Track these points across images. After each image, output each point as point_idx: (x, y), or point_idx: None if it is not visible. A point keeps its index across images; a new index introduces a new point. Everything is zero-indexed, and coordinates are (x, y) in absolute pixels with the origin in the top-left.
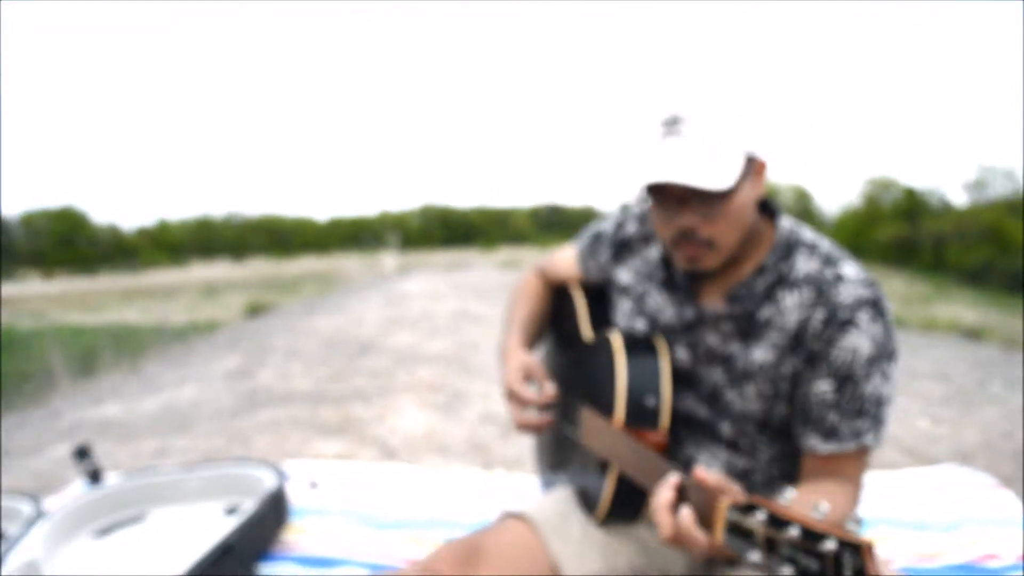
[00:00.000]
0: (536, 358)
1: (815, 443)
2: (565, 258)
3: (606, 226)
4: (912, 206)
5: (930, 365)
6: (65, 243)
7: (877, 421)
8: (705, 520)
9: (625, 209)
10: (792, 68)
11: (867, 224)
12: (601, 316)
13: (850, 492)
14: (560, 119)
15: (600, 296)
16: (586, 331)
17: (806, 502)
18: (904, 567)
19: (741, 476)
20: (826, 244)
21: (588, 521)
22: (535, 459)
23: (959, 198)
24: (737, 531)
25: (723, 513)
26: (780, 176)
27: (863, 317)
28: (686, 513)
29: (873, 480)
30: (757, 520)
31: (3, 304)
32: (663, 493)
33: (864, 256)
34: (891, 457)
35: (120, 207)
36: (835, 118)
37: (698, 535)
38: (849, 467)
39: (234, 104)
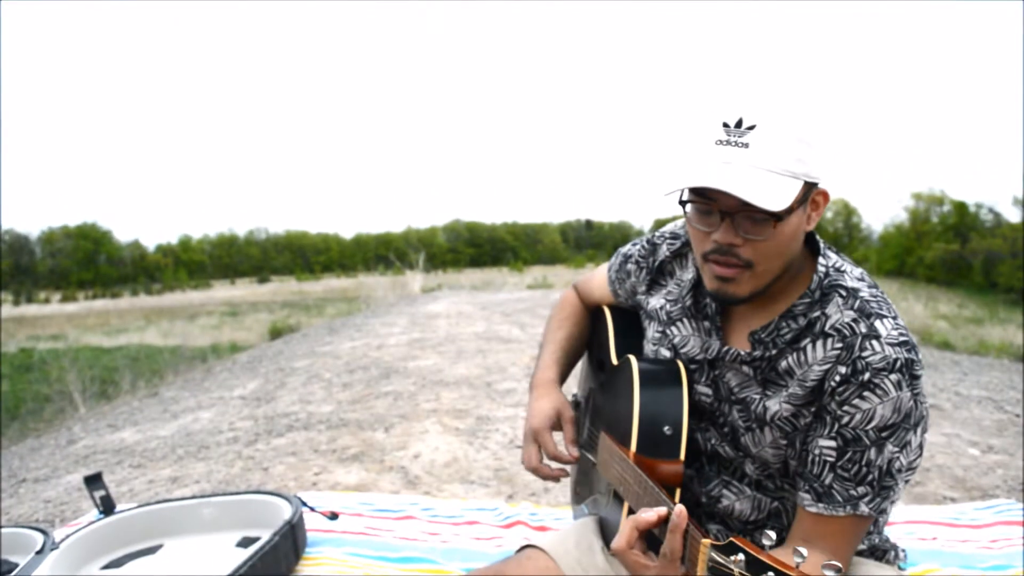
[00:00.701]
0: (572, 415)
1: (806, 500)
2: (599, 278)
3: (635, 249)
4: (962, 222)
5: (980, 391)
6: (87, 262)
7: (881, 490)
8: (690, 559)
9: (657, 227)
10: (835, 76)
11: (914, 241)
12: (630, 340)
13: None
14: (592, 131)
15: (632, 319)
16: (613, 355)
17: (788, 552)
18: None
19: (772, 516)
20: (867, 292)
21: (608, 552)
22: (571, 489)
23: (1012, 213)
24: (716, 572)
25: (704, 553)
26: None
27: (888, 382)
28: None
29: (922, 514)
30: (736, 561)
31: (24, 324)
32: (645, 516)
33: (910, 275)
34: (938, 488)
35: (143, 224)
36: (881, 128)
37: (642, 561)
38: (837, 533)
39: (257, 119)
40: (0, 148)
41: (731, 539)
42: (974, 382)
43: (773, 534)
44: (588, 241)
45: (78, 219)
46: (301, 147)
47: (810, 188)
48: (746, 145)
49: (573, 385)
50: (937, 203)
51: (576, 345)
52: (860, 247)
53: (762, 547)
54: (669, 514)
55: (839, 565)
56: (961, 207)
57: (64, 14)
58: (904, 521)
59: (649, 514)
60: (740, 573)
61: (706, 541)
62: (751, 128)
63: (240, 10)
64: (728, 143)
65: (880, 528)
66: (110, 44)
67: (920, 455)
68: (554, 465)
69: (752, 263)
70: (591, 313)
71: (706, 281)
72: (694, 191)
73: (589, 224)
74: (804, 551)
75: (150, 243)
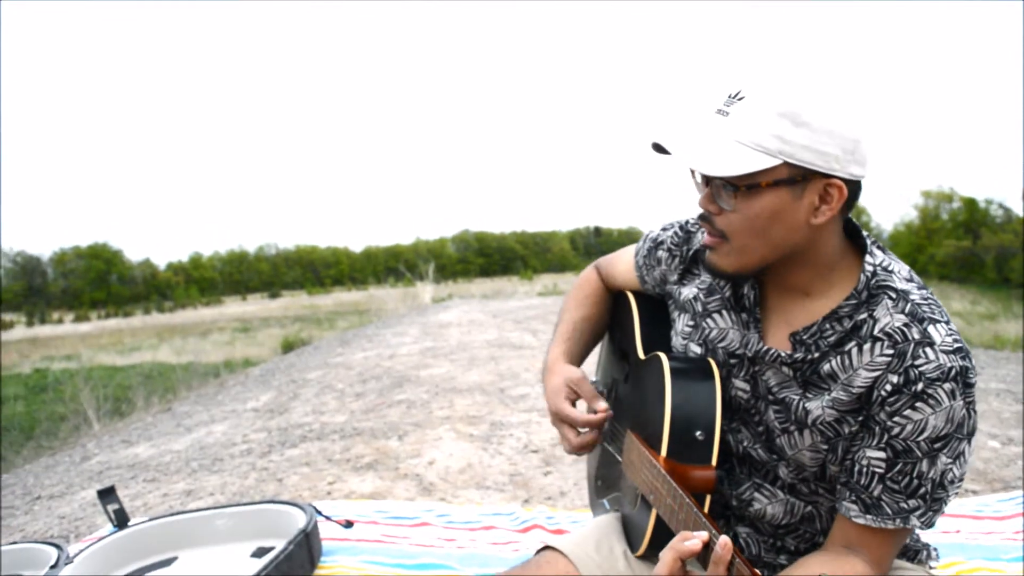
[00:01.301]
0: (582, 373)
1: (852, 512)
2: (624, 262)
3: (668, 235)
4: (972, 218)
5: (998, 384)
6: (99, 281)
7: (933, 503)
8: None
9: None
10: (843, 70)
11: (925, 239)
12: (657, 332)
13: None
14: (600, 138)
15: (659, 307)
16: (639, 347)
17: None
18: None
19: (805, 520)
20: (918, 294)
21: (631, 555)
22: (588, 486)
23: (1022, 208)
24: None
25: None
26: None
27: (943, 392)
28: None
29: (945, 508)
30: None
31: (37, 345)
32: (689, 545)
33: (922, 273)
34: None
35: (154, 242)
36: (889, 125)
37: None
38: (884, 543)
39: (264, 136)
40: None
41: None
42: (991, 375)
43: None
44: (597, 248)
45: (89, 239)
46: (309, 162)
47: (806, 175)
48: (727, 114)
49: (591, 372)
50: (947, 200)
51: (594, 327)
52: None
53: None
54: (710, 540)
55: (935, 549)
56: (971, 203)
57: (72, 34)
58: None
59: (693, 542)
60: None
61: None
62: (740, 99)
63: (245, 27)
64: (719, 112)
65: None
66: (119, 64)
67: (967, 466)
68: (585, 433)
69: (725, 234)
70: (614, 296)
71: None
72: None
73: (598, 231)
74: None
75: (161, 261)
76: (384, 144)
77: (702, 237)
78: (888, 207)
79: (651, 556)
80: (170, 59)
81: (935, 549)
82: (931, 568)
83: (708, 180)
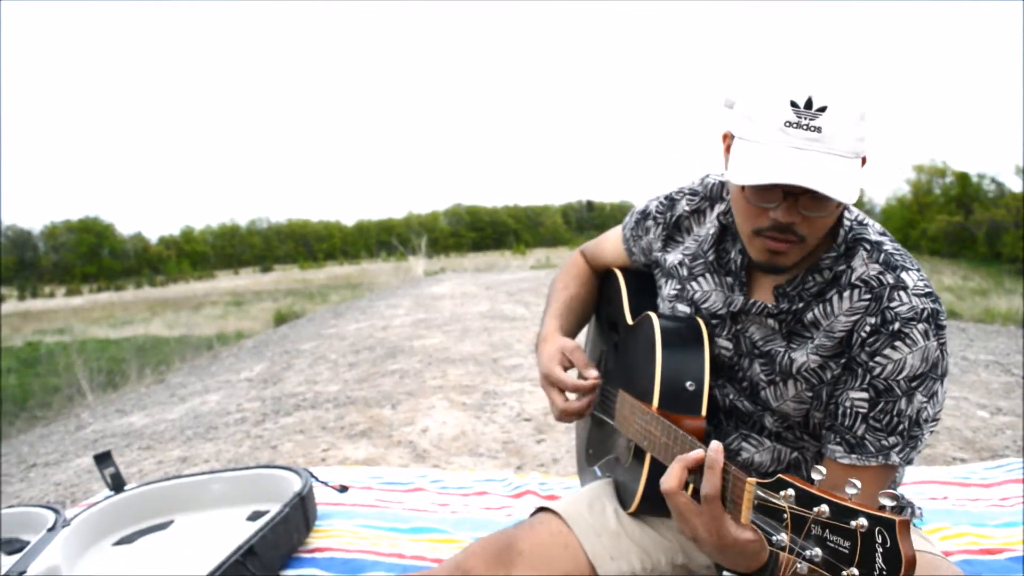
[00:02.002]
0: (576, 343)
1: (837, 452)
2: (611, 240)
3: (654, 204)
4: (965, 193)
5: (988, 355)
6: (90, 255)
7: (910, 440)
8: (733, 500)
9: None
10: (835, 47)
11: (917, 214)
12: (644, 300)
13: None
14: (591, 111)
15: (645, 279)
16: (628, 315)
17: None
18: (964, 561)
19: (791, 467)
20: (890, 246)
21: (623, 514)
22: (576, 455)
23: (1015, 183)
24: (764, 510)
25: (750, 491)
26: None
27: (917, 331)
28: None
29: (932, 475)
30: (785, 496)
31: (29, 319)
32: (692, 454)
33: (914, 248)
34: (948, 449)
35: (145, 216)
36: (883, 98)
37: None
38: (869, 481)
39: (255, 109)
40: (0, 143)
41: (779, 476)
42: (981, 347)
43: (824, 468)
44: (590, 222)
45: (80, 213)
46: (300, 135)
47: (863, 161)
48: (818, 129)
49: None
50: (939, 175)
51: (582, 306)
52: None
53: (812, 482)
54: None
55: (896, 493)
56: (963, 178)
57: (63, 10)
58: (914, 482)
59: (696, 452)
60: (791, 507)
61: (751, 480)
62: (822, 110)
63: (237, 4)
64: (799, 126)
65: (895, 485)
66: (109, 38)
67: (942, 407)
68: (575, 399)
69: (806, 238)
70: (600, 276)
71: (753, 252)
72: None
73: (590, 205)
74: (858, 483)
75: (153, 235)
76: (376, 117)
77: (686, 203)
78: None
79: (643, 511)
80: (160, 33)
81: (920, 509)
82: (916, 527)
83: (789, 193)
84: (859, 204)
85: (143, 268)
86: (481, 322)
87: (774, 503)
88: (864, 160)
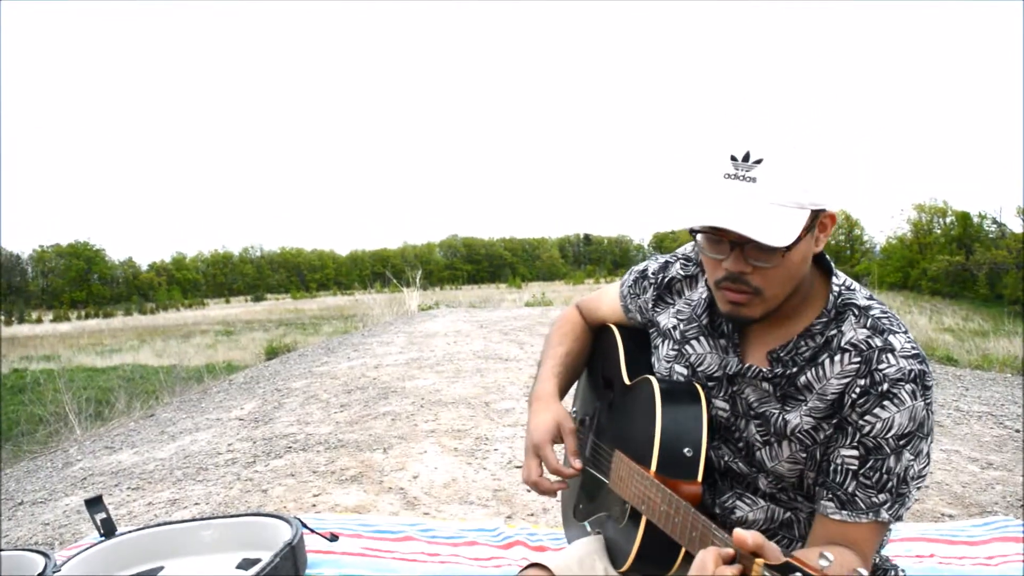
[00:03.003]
0: (574, 425)
1: (829, 508)
2: (608, 296)
3: (652, 265)
4: (966, 233)
5: (981, 406)
6: (79, 281)
7: (898, 497)
8: None
9: (656, 241)
10: (835, 85)
11: (917, 253)
12: (640, 359)
13: (857, 564)
14: (590, 145)
15: (641, 338)
16: (624, 374)
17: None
18: None
19: (784, 526)
20: (878, 310)
21: (612, 572)
22: (562, 508)
23: (1016, 223)
24: None
25: (758, 571)
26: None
27: (904, 392)
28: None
29: (920, 531)
30: None
31: (15, 346)
32: (726, 571)
33: (914, 288)
34: (937, 505)
35: (136, 241)
36: (882, 139)
37: None
38: (860, 538)
39: (250, 137)
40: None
41: (787, 559)
42: (975, 397)
43: (830, 555)
44: (587, 256)
45: (70, 237)
46: (296, 164)
47: (817, 214)
48: (753, 180)
49: (570, 403)
50: (940, 214)
51: (576, 361)
52: (863, 260)
53: (820, 567)
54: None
55: (866, 573)
56: (964, 218)
57: (59, 37)
58: (902, 539)
59: (727, 550)
60: None
61: (759, 560)
62: (758, 162)
63: (232, 26)
64: (736, 177)
65: (880, 548)
66: (103, 63)
67: (929, 464)
68: (553, 479)
69: (761, 290)
70: (595, 331)
71: (719, 304)
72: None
73: (588, 239)
74: (831, 555)
75: (143, 261)
76: (372, 147)
77: (679, 267)
78: (881, 221)
79: (635, 570)
80: (156, 57)
81: (903, 571)
82: None
83: (735, 245)
84: (857, 243)
85: (133, 295)
86: (474, 362)
87: None
88: (820, 212)
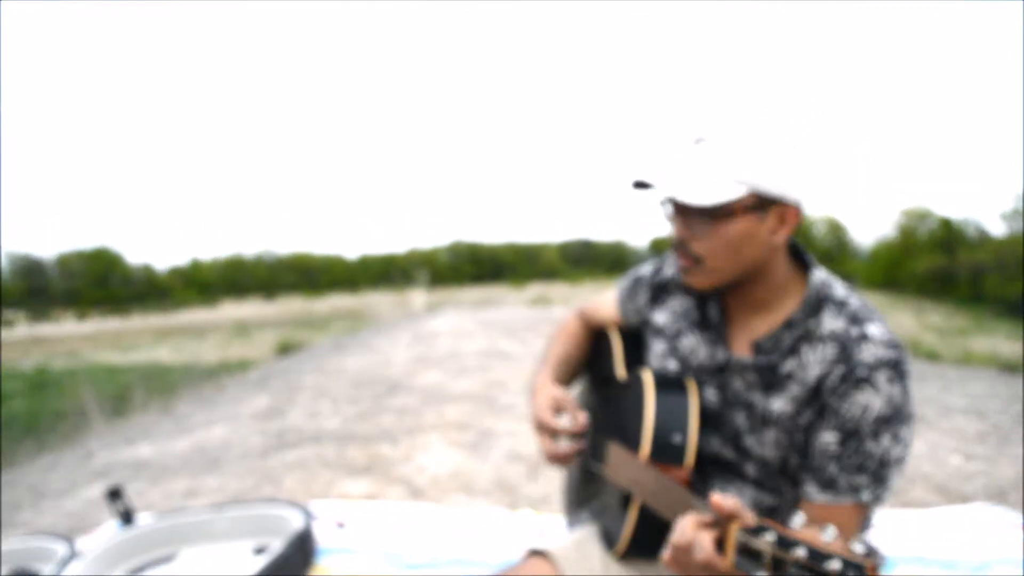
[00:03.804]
0: (566, 392)
1: (812, 491)
2: (606, 302)
3: (646, 269)
4: (949, 236)
5: (964, 400)
6: (99, 283)
7: (878, 480)
8: (718, 543)
9: (655, 246)
10: (823, 95)
11: (903, 255)
12: (636, 358)
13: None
14: (590, 152)
15: (637, 339)
16: (620, 371)
17: (816, 529)
18: None
19: (769, 513)
20: (855, 302)
21: (609, 557)
22: (563, 498)
23: (997, 228)
24: (747, 552)
25: (734, 535)
26: (813, 208)
27: (881, 377)
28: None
29: (902, 518)
30: (766, 541)
31: (38, 344)
32: (704, 534)
33: (900, 288)
34: (921, 496)
35: (154, 247)
36: (868, 147)
37: (717, 559)
38: (842, 521)
39: (265, 144)
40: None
41: (760, 521)
42: (959, 392)
43: (803, 514)
44: (587, 259)
45: (91, 243)
46: (306, 171)
47: (768, 201)
48: (697, 151)
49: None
50: (924, 219)
51: (574, 362)
52: (851, 261)
53: (791, 527)
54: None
55: (868, 541)
56: (947, 223)
57: (74, 37)
58: (886, 525)
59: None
60: (771, 551)
61: (736, 523)
62: (704, 140)
63: (245, 34)
64: (685, 152)
65: (867, 529)
66: (124, 72)
67: (908, 450)
68: (566, 444)
69: (700, 258)
70: (595, 334)
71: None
72: (663, 199)
73: (588, 244)
74: (833, 529)
75: (161, 266)
76: (380, 155)
77: (673, 266)
78: (868, 225)
79: (629, 555)
80: (173, 66)
81: (884, 557)
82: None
83: (681, 210)
84: (845, 247)
85: (150, 296)
86: (478, 359)
87: (755, 546)
88: (776, 202)
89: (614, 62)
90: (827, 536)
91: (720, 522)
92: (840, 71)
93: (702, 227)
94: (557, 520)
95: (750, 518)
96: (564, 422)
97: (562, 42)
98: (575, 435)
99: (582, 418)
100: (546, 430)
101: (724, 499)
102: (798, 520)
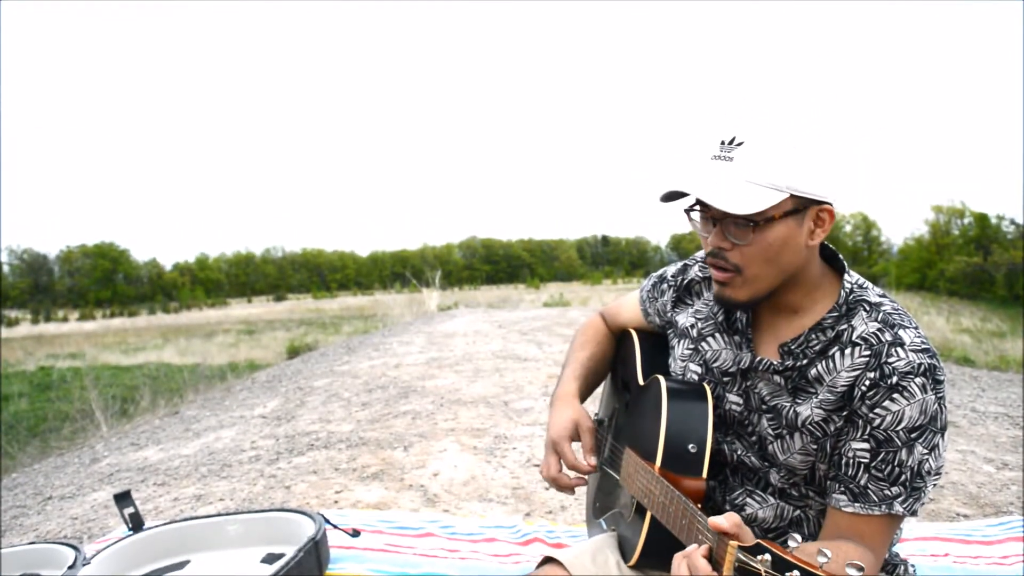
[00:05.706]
0: (591, 424)
1: (842, 501)
2: (629, 302)
3: (671, 269)
4: (983, 234)
5: (997, 407)
6: (105, 280)
7: (913, 491)
8: (717, 559)
9: (674, 243)
10: (855, 89)
11: (935, 254)
12: (657, 361)
13: (868, 559)
14: (609, 146)
15: (659, 341)
16: (640, 375)
17: (813, 552)
18: None
19: (793, 524)
20: (889, 306)
21: (624, 567)
22: (586, 507)
23: None
24: (743, 572)
25: (732, 554)
26: (845, 206)
27: (915, 384)
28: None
29: (935, 530)
30: (763, 561)
31: (42, 343)
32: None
33: (931, 289)
34: (952, 505)
35: (160, 242)
36: (900, 141)
37: None
38: (874, 533)
39: (272, 138)
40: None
41: (758, 541)
42: (991, 398)
43: (799, 536)
44: (605, 257)
45: (96, 238)
46: (317, 165)
47: (806, 203)
48: (731, 159)
49: (592, 408)
50: (958, 215)
51: (598, 366)
52: (880, 260)
53: (787, 548)
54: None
55: (862, 564)
56: (982, 219)
57: (79, 33)
58: (916, 538)
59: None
60: (766, 572)
61: (733, 543)
62: (740, 144)
63: (256, 29)
64: (719, 158)
65: (892, 544)
66: (129, 64)
67: (943, 460)
68: (572, 475)
69: (740, 268)
70: (617, 337)
71: (714, 288)
72: (698, 201)
73: (606, 240)
74: (829, 552)
75: (167, 262)
76: (392, 149)
77: (698, 269)
78: (899, 222)
79: (643, 565)
80: (180, 60)
81: (913, 567)
82: None
83: (716, 220)
84: (875, 244)
85: (157, 294)
86: (493, 362)
87: (752, 566)
88: (813, 203)
89: (634, 55)
90: (823, 559)
91: (719, 542)
92: (873, 66)
93: (741, 235)
94: (573, 531)
95: (749, 537)
96: (576, 457)
97: (579, 36)
98: (581, 472)
99: (592, 460)
100: (556, 455)
101: (722, 519)
102: (794, 541)
